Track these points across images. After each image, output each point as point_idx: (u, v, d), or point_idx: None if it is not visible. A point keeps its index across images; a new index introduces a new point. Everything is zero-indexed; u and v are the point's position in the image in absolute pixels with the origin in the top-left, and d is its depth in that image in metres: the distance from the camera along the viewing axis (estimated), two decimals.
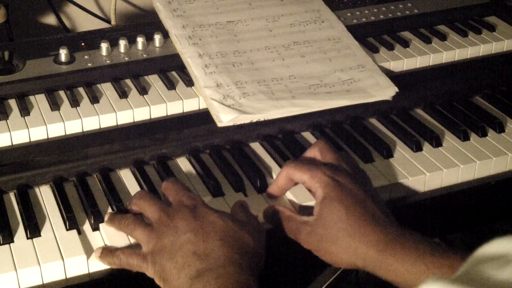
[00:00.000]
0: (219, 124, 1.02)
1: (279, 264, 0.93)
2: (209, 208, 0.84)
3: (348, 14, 1.28)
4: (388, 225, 0.83)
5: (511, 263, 0.56)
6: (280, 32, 1.19)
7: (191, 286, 0.76)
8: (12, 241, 0.87)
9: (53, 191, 0.97)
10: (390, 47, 1.21)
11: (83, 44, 1.15)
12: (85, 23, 1.58)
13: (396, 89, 1.09)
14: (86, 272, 0.85)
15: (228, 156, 1.04)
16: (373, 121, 1.14)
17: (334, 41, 1.18)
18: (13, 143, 0.98)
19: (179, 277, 0.78)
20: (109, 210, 0.93)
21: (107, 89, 1.08)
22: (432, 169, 1.01)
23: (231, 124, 1.02)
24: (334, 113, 1.10)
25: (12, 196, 0.96)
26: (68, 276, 0.85)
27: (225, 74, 1.08)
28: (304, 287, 1.23)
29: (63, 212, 0.92)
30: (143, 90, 1.07)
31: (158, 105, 1.05)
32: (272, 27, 1.20)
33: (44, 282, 0.84)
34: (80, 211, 0.93)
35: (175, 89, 1.08)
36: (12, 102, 1.04)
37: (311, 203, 0.90)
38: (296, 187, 0.94)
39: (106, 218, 0.89)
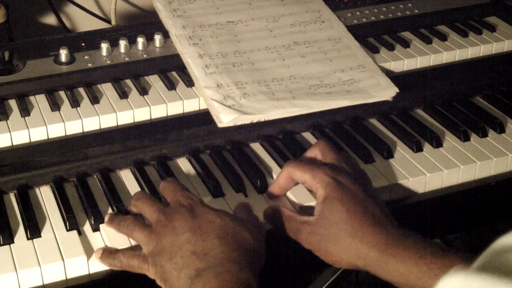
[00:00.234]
0: (220, 125, 1.02)
1: (279, 264, 0.93)
2: (207, 207, 0.84)
3: (349, 14, 1.28)
4: (389, 225, 0.83)
5: None
6: (280, 32, 1.19)
7: (192, 286, 0.76)
8: (12, 242, 0.87)
9: (53, 192, 0.97)
10: (391, 48, 1.21)
11: (83, 44, 1.15)
12: (85, 23, 1.58)
13: (397, 90, 1.09)
14: (86, 272, 0.85)
15: (229, 157, 1.04)
16: (374, 121, 1.13)
17: (334, 41, 1.18)
18: (13, 144, 0.98)
19: (179, 277, 0.78)
20: (110, 210, 0.93)
21: (107, 89, 1.08)
22: (432, 169, 1.01)
23: (231, 124, 1.02)
24: (334, 114, 1.10)
25: (12, 196, 0.96)
26: (68, 277, 0.85)
27: (225, 75, 1.08)
28: (304, 287, 1.23)
29: (63, 212, 0.92)
30: (143, 91, 1.07)
31: (158, 105, 1.05)
32: (272, 27, 1.20)
33: (45, 282, 0.84)
34: (80, 211, 0.93)
35: (175, 89, 1.08)
36: (12, 103, 1.04)
37: (312, 203, 0.90)
38: (296, 187, 0.94)
39: (106, 219, 0.89)
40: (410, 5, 1.32)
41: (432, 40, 1.24)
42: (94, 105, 1.04)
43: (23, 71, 1.08)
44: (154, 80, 1.10)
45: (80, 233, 0.89)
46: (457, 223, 1.09)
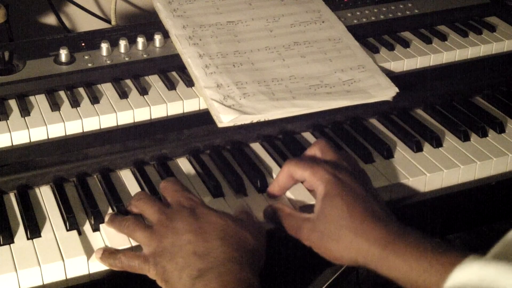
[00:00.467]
0: (220, 125, 1.02)
1: (279, 264, 0.93)
2: (208, 208, 0.84)
3: (349, 14, 1.28)
4: (389, 222, 0.83)
5: None
6: (280, 32, 1.19)
7: (193, 286, 0.77)
8: (12, 242, 0.87)
9: (53, 192, 0.97)
10: (391, 48, 1.21)
11: (83, 44, 1.15)
12: (85, 23, 1.58)
13: (397, 90, 1.09)
14: (86, 272, 0.85)
15: (229, 157, 1.04)
16: (374, 121, 1.14)
17: (334, 41, 1.18)
18: (13, 144, 0.98)
19: (181, 277, 0.78)
20: (109, 210, 0.93)
21: (107, 89, 1.08)
22: (432, 169, 1.01)
23: (231, 124, 1.02)
24: (334, 114, 1.10)
25: (12, 196, 0.96)
26: (68, 277, 0.85)
27: (225, 75, 1.08)
28: (304, 287, 1.23)
29: (63, 212, 0.92)
30: (143, 91, 1.07)
31: (159, 105, 1.05)
32: (272, 27, 1.20)
33: (44, 282, 0.84)
34: (80, 211, 0.93)
35: (175, 89, 1.08)
36: (12, 103, 1.04)
37: (311, 203, 0.90)
38: (296, 187, 0.94)
39: (106, 219, 0.89)
40: (410, 5, 1.32)
41: (432, 40, 1.24)
42: (94, 105, 1.04)
43: (23, 71, 1.08)
44: (154, 80, 1.10)
45: (80, 233, 0.89)
46: (457, 223, 1.09)
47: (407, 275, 0.79)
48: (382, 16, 1.29)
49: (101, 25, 1.53)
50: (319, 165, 0.88)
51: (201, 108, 1.07)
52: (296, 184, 0.93)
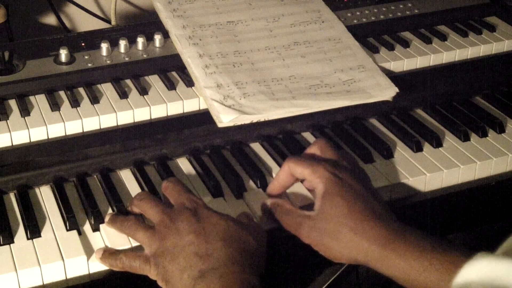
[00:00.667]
0: (220, 125, 1.02)
1: (279, 264, 0.93)
2: (211, 210, 0.84)
3: (349, 14, 1.28)
4: (389, 220, 0.83)
5: None
6: (280, 32, 1.19)
7: (194, 287, 0.77)
8: (12, 242, 0.87)
9: (53, 192, 0.97)
10: (391, 48, 1.21)
11: (83, 44, 1.15)
12: (85, 23, 1.58)
13: (397, 90, 1.09)
14: (86, 272, 0.85)
15: (229, 157, 1.04)
16: (373, 121, 1.13)
17: (334, 41, 1.18)
18: (13, 144, 0.98)
19: (182, 278, 0.78)
20: (110, 210, 0.93)
21: (107, 89, 1.08)
22: (432, 169, 1.01)
23: (231, 124, 1.02)
24: (334, 114, 1.10)
25: (12, 196, 0.96)
26: (68, 277, 0.85)
27: (225, 75, 1.08)
28: (304, 287, 1.22)
29: (63, 212, 0.92)
30: (143, 91, 1.07)
31: (158, 105, 1.05)
32: (272, 27, 1.20)
33: (44, 282, 0.84)
34: (80, 211, 0.93)
35: (175, 89, 1.08)
36: (12, 103, 1.04)
37: (311, 202, 0.90)
38: (296, 187, 0.94)
39: (107, 219, 0.89)
40: (410, 5, 1.32)
41: (432, 40, 1.24)
42: (94, 105, 1.04)
43: (23, 71, 1.08)
44: (154, 80, 1.10)
45: (80, 233, 0.89)
46: (457, 223, 1.09)
47: (407, 274, 0.79)
48: (382, 16, 1.29)
49: (101, 25, 1.53)
50: (319, 163, 0.88)
51: (201, 108, 1.07)
52: (296, 182, 0.93)
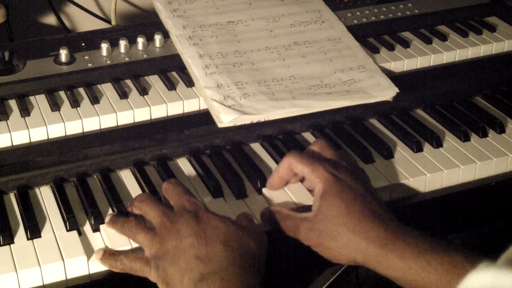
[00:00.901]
0: (220, 125, 1.02)
1: (279, 264, 0.93)
2: (211, 213, 0.84)
3: (349, 15, 1.28)
4: (388, 221, 0.83)
5: None
6: (280, 32, 1.19)
7: None
8: (12, 242, 0.87)
9: (53, 192, 0.97)
10: (391, 48, 1.21)
11: (83, 44, 1.15)
12: (85, 23, 1.58)
13: (397, 90, 1.09)
14: (86, 273, 0.85)
15: (229, 157, 1.04)
16: (374, 121, 1.14)
17: (334, 41, 1.18)
18: (13, 144, 0.98)
19: (182, 281, 0.78)
20: (110, 211, 0.93)
21: (107, 89, 1.08)
22: (432, 169, 1.01)
23: (231, 124, 1.02)
24: (334, 114, 1.10)
25: (12, 196, 0.96)
26: (68, 277, 0.85)
27: (225, 75, 1.08)
28: (304, 287, 1.22)
29: (64, 212, 0.92)
30: (143, 91, 1.07)
31: (159, 105, 1.05)
32: (272, 27, 1.20)
33: (45, 283, 0.84)
34: (80, 211, 0.93)
35: (175, 89, 1.08)
36: (12, 103, 1.04)
37: (310, 203, 0.90)
38: (295, 187, 0.94)
39: (107, 219, 0.89)
40: (410, 5, 1.32)
41: (432, 40, 1.24)
42: (94, 105, 1.04)
43: (23, 71, 1.08)
44: (154, 80, 1.10)
45: (80, 233, 0.89)
46: (457, 223, 1.09)
47: (406, 274, 0.79)
48: (382, 16, 1.29)
49: (101, 25, 1.53)
50: (319, 163, 0.88)
51: (201, 108, 1.07)
52: (295, 178, 0.93)
